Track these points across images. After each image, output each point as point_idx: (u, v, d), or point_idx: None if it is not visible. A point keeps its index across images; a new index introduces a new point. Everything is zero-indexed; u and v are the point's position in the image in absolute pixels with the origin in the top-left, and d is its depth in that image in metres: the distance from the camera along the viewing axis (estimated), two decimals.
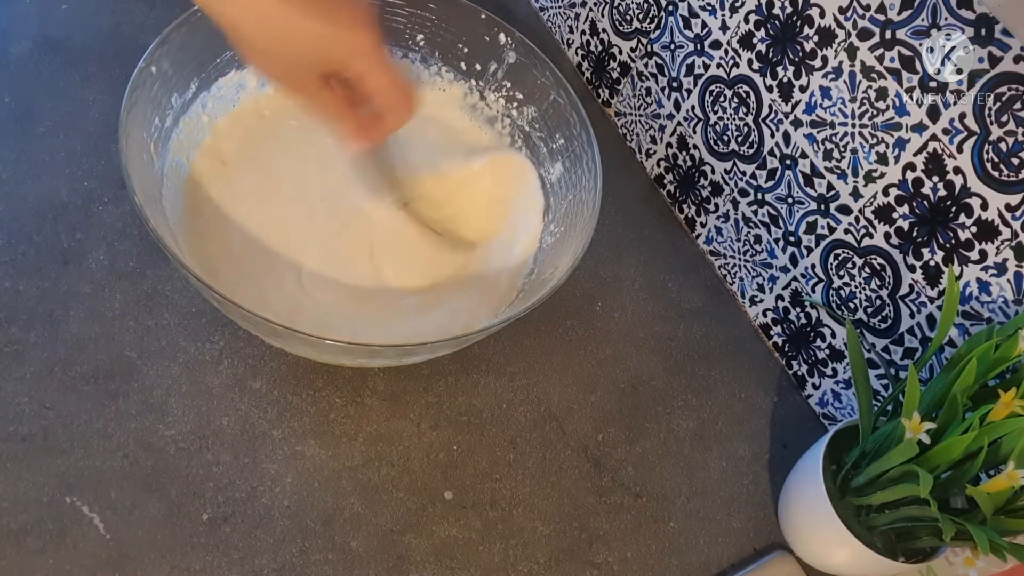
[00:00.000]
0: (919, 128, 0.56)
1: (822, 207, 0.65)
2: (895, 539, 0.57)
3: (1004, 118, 0.51)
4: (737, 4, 0.66)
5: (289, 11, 0.44)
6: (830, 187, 0.63)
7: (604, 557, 0.59)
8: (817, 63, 0.61)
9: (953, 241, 0.56)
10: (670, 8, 0.73)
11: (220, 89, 0.62)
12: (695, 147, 0.75)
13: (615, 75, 0.83)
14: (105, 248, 0.61)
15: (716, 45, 0.70)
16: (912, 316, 0.61)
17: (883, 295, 0.62)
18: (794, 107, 0.64)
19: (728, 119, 0.71)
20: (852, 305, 0.65)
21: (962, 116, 0.53)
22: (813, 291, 0.68)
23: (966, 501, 0.55)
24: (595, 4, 0.82)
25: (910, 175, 0.58)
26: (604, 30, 0.82)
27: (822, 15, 0.60)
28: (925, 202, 0.57)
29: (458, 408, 0.62)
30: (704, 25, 0.70)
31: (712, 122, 0.73)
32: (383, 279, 0.60)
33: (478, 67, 0.68)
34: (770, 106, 0.66)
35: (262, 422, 0.58)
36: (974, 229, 0.55)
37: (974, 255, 0.55)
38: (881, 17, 0.56)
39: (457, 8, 0.66)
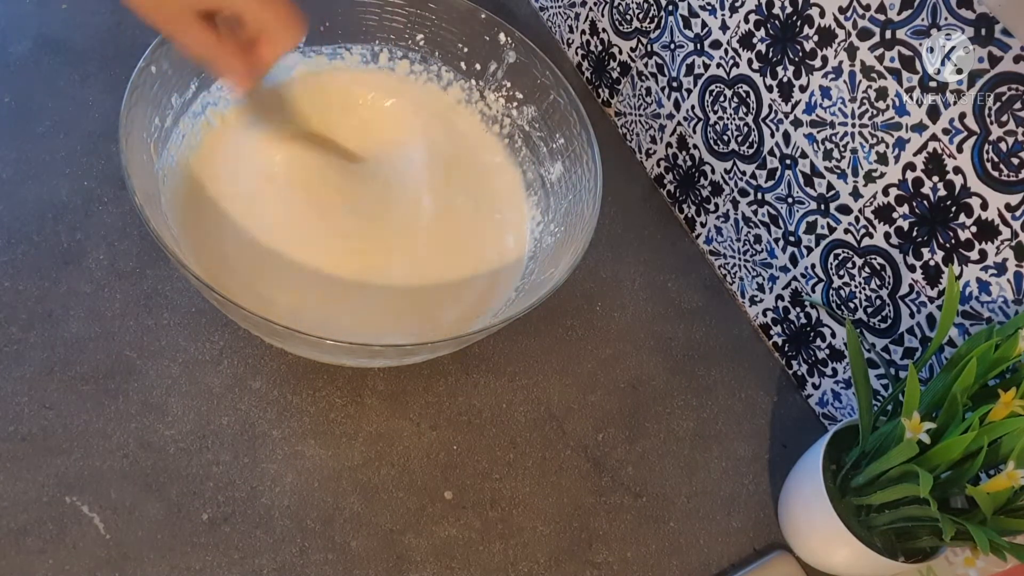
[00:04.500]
0: (919, 128, 0.56)
1: (822, 207, 0.65)
2: (895, 539, 0.57)
3: (1004, 118, 0.51)
4: (737, 4, 0.66)
5: None
6: (830, 187, 0.63)
7: (604, 557, 0.59)
8: (817, 63, 0.61)
9: (953, 241, 0.56)
10: (670, 8, 0.73)
11: (220, 89, 0.62)
12: (695, 147, 0.75)
13: (615, 75, 0.83)
14: (105, 248, 0.61)
15: (716, 45, 0.70)
16: (912, 316, 0.61)
17: (883, 295, 0.62)
18: (794, 107, 0.64)
19: (728, 119, 0.71)
20: (852, 305, 0.65)
21: (962, 116, 0.53)
22: (813, 291, 0.68)
23: (966, 501, 0.55)
24: (595, 4, 0.82)
25: (910, 175, 0.58)
26: (604, 30, 0.82)
27: (822, 15, 0.60)
28: (925, 202, 0.57)
29: (458, 408, 0.62)
30: (704, 25, 0.70)
31: (712, 122, 0.73)
32: (384, 278, 0.60)
33: (478, 67, 0.68)
34: (770, 106, 0.66)
35: (262, 422, 0.58)
36: (974, 229, 0.55)
37: (974, 255, 0.55)
38: (881, 17, 0.56)
39: (457, 8, 0.66)
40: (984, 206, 0.54)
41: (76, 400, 0.55)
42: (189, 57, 0.50)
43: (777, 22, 0.64)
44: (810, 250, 0.67)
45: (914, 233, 0.59)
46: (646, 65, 0.78)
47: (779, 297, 0.72)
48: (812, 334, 0.69)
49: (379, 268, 0.60)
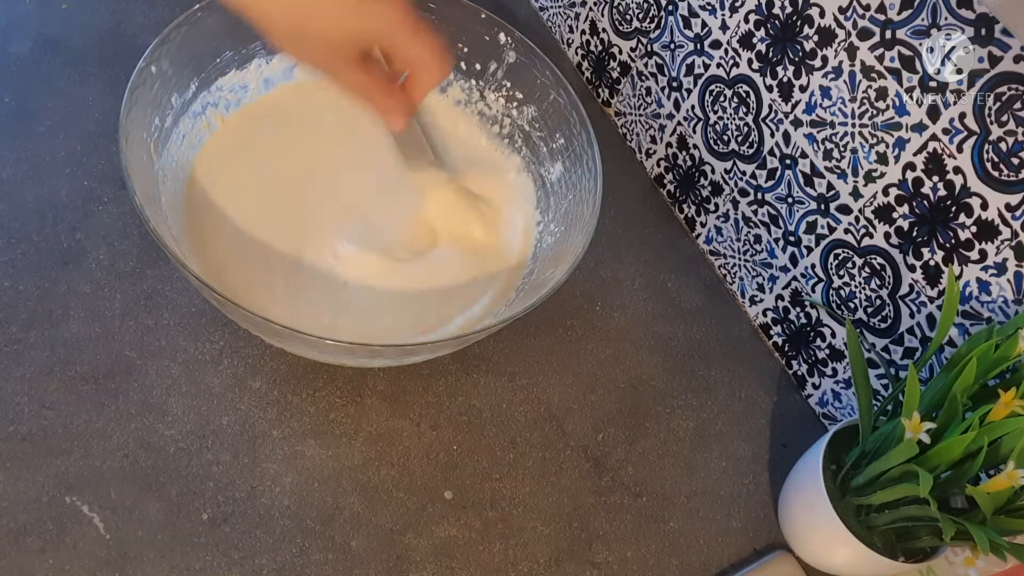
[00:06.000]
0: (919, 128, 0.56)
1: (822, 207, 0.65)
2: (895, 539, 0.57)
3: (1004, 118, 0.51)
4: (737, 4, 0.66)
5: None
6: (830, 187, 0.63)
7: (604, 557, 0.59)
8: (817, 63, 0.61)
9: (953, 241, 0.56)
10: (670, 8, 0.73)
11: (220, 89, 0.62)
12: (695, 147, 0.75)
13: (615, 75, 0.83)
14: (105, 248, 0.61)
15: (716, 45, 0.70)
16: (912, 316, 0.61)
17: (883, 295, 0.62)
18: (794, 107, 0.64)
19: (728, 119, 0.71)
20: (852, 305, 0.65)
21: (962, 116, 0.53)
22: (813, 291, 0.68)
23: (966, 501, 0.55)
24: (595, 4, 0.82)
25: (910, 175, 0.58)
26: (604, 30, 0.82)
27: (822, 15, 0.60)
28: (925, 202, 0.57)
29: (458, 408, 0.62)
30: (704, 25, 0.70)
31: (712, 122, 0.73)
32: (384, 279, 0.60)
33: (478, 67, 0.68)
34: (770, 106, 0.66)
35: (262, 422, 0.58)
36: (974, 229, 0.55)
37: (974, 255, 0.55)
38: (881, 17, 0.56)
39: (457, 8, 0.66)
40: (984, 206, 0.54)
41: (76, 400, 0.55)
42: (350, 94, 0.51)
43: (777, 22, 0.64)
44: (810, 250, 0.67)
45: (914, 233, 0.59)
46: (646, 65, 0.78)
47: (779, 297, 0.72)
48: (812, 334, 0.69)
49: (379, 268, 0.60)
